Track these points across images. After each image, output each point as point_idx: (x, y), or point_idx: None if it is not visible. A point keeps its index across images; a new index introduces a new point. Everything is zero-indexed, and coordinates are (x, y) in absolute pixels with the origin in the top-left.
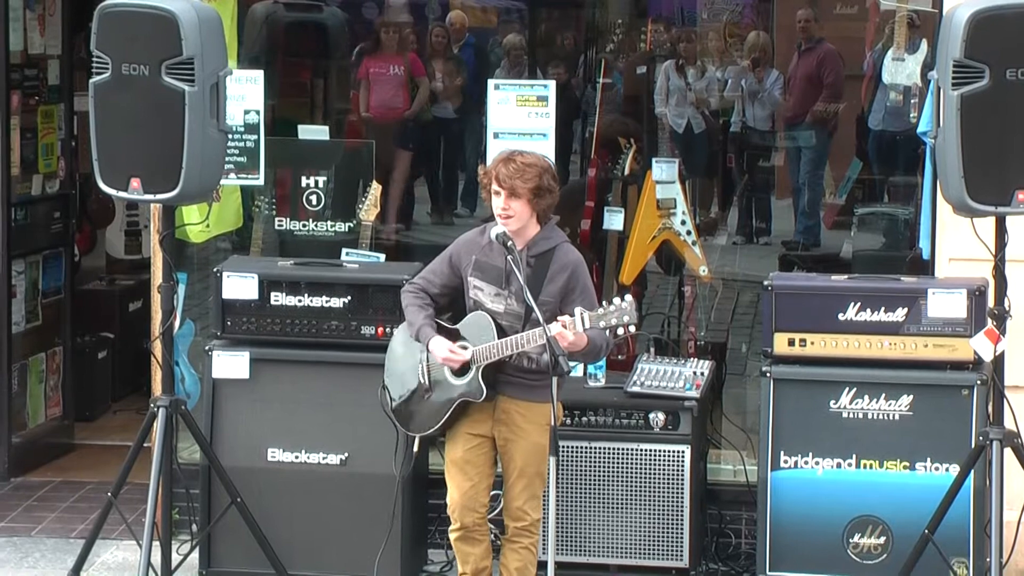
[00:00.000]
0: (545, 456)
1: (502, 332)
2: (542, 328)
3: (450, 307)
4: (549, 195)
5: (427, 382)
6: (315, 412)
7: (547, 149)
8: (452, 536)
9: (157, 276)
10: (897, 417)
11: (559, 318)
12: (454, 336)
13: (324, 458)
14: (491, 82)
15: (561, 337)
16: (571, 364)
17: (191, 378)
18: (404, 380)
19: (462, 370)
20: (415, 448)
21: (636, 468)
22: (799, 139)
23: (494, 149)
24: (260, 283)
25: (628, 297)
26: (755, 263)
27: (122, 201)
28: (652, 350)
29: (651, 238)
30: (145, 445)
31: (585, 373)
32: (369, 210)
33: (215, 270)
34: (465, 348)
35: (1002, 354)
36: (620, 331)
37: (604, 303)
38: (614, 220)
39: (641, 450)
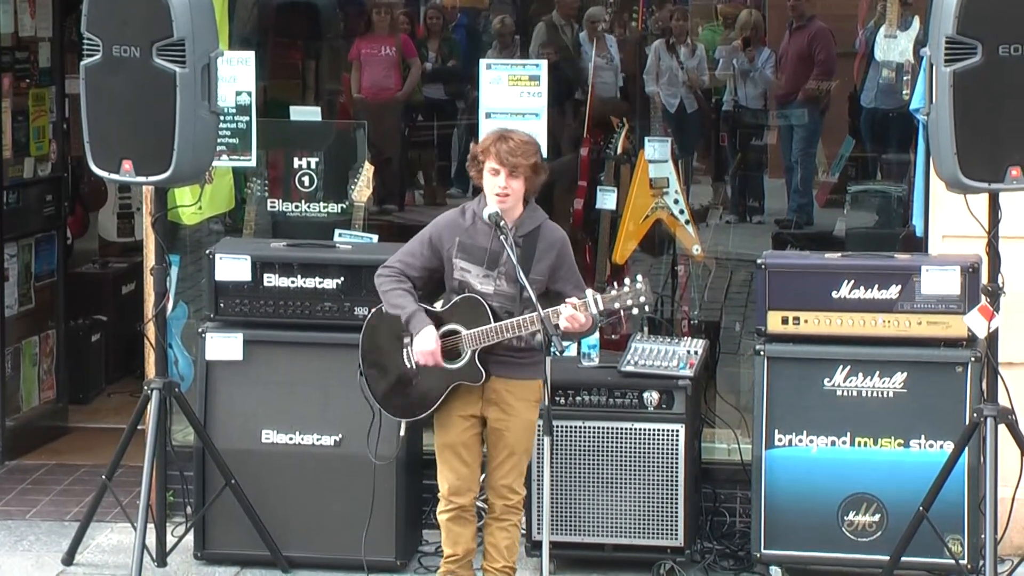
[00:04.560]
0: (533, 432)
1: (494, 314)
2: (537, 310)
3: (425, 290)
4: (543, 173)
5: (415, 367)
6: (309, 393)
7: (539, 129)
8: (444, 517)
9: (150, 258)
10: (891, 394)
11: (568, 300)
12: (441, 321)
13: (318, 439)
14: (483, 62)
15: (573, 319)
16: (565, 344)
17: (184, 360)
18: (386, 366)
19: (454, 353)
20: (402, 432)
21: (630, 447)
22: (791, 117)
23: (486, 129)
24: (253, 265)
25: (640, 277)
26: (748, 242)
27: (114, 183)
28: (646, 329)
29: (644, 217)
30: (139, 428)
31: (579, 353)
32: (362, 191)
33: (208, 252)
34: (456, 333)
35: (996, 331)
36: (635, 311)
37: (616, 284)
38: (607, 199)
39: (635, 429)
